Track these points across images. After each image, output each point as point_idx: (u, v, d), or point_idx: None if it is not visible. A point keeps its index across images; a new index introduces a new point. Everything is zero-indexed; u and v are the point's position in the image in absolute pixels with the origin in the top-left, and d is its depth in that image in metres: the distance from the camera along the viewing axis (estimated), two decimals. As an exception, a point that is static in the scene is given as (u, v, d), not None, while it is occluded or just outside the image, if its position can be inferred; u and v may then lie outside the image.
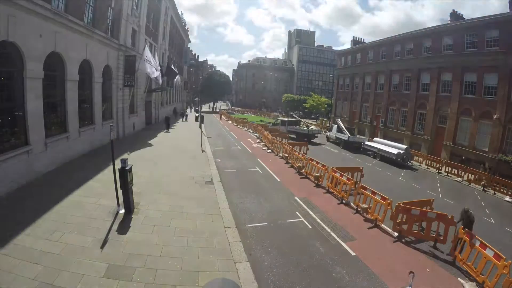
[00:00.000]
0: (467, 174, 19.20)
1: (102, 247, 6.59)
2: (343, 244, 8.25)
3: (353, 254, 7.74)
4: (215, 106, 71.51)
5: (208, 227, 8.18)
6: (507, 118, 20.05)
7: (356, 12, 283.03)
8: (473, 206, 13.77)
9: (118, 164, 8.24)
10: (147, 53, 21.42)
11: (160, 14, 31.48)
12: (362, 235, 8.93)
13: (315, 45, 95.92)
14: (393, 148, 22.49)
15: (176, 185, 11.48)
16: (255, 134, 30.58)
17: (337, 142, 28.76)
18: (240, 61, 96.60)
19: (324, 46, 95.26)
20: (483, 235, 7.75)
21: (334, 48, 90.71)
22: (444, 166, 21.47)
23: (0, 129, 9.10)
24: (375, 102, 35.23)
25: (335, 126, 30.44)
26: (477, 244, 7.27)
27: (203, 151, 18.78)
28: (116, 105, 19.39)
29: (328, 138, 31.36)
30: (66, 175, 11.15)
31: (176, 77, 34.28)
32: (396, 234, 9.08)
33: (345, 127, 29.02)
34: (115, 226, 7.63)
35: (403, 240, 8.86)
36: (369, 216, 10.22)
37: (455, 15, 27.50)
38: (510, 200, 15.67)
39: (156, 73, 23.17)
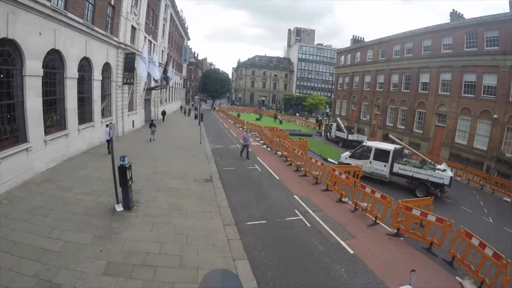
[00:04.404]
0: (465, 173, 19.26)
1: (101, 244, 6.61)
2: (341, 242, 8.27)
3: (351, 252, 7.77)
4: (214, 104, 71.43)
5: (207, 225, 8.21)
6: (506, 118, 20.08)
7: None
8: (471, 205, 13.90)
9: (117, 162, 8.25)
10: (147, 52, 21.36)
11: (160, 11, 31.35)
12: (360, 234, 8.96)
13: (315, 43, 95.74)
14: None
15: (175, 183, 11.49)
16: (254, 133, 30.59)
17: (336, 140, 28.99)
18: (239, 59, 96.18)
19: (324, 45, 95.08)
20: (482, 234, 7.78)
21: (334, 46, 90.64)
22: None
23: (-1, 126, 9.08)
24: (375, 101, 35.23)
25: (334, 124, 30.75)
26: (476, 243, 7.29)
27: (198, 144, 18.79)
28: (115, 103, 19.35)
29: (327, 137, 31.58)
30: (65, 173, 11.16)
31: (172, 75, 34.15)
32: (395, 231, 9.15)
33: (344, 126, 29.15)
34: (115, 224, 7.64)
35: (401, 238, 8.91)
36: (368, 214, 10.26)
37: (455, 15, 27.45)
38: (508, 199, 15.73)
39: (157, 76, 23.25)
